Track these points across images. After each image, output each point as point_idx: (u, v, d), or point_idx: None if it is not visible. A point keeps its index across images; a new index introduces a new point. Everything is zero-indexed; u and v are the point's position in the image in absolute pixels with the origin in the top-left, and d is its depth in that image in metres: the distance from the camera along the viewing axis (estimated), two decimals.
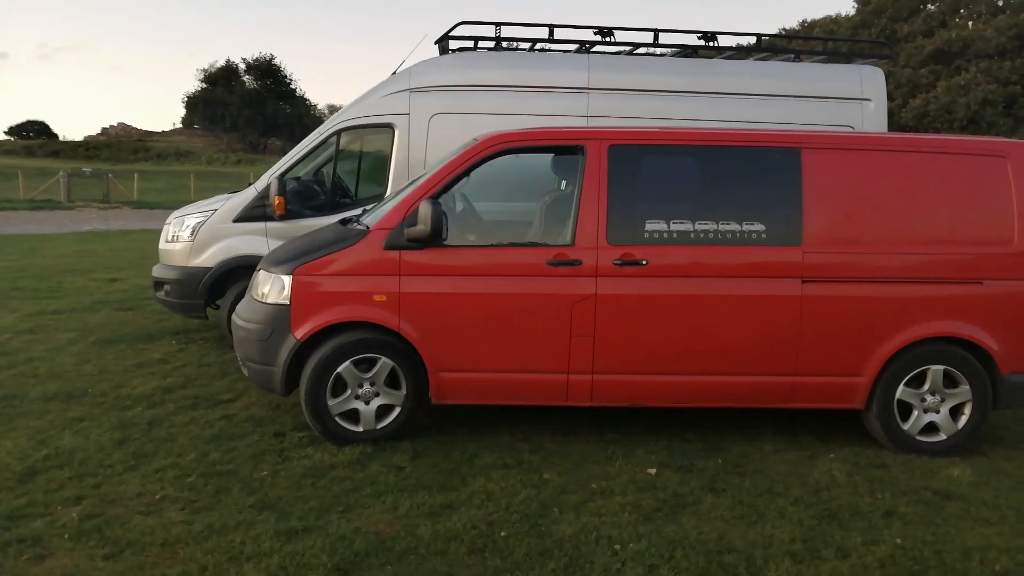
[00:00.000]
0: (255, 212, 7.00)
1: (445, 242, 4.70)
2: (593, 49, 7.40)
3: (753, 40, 7.60)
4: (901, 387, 4.89)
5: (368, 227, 4.83)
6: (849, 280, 4.80)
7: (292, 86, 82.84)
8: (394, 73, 7.34)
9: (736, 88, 7.17)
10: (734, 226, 4.78)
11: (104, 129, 75.04)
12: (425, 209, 4.54)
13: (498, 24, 7.14)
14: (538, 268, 4.73)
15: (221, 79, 74.56)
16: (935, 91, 36.96)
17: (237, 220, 7.02)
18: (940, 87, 36.90)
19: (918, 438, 4.94)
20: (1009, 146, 5.00)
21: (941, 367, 4.86)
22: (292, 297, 4.75)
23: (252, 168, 50.82)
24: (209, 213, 7.08)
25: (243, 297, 6.59)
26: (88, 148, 62.90)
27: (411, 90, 7.02)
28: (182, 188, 34.64)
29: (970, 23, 40.05)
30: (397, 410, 4.89)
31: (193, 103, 75.10)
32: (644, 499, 4.15)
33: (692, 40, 7.39)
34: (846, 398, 4.93)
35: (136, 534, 3.60)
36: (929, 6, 41.94)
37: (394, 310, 4.72)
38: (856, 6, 44.34)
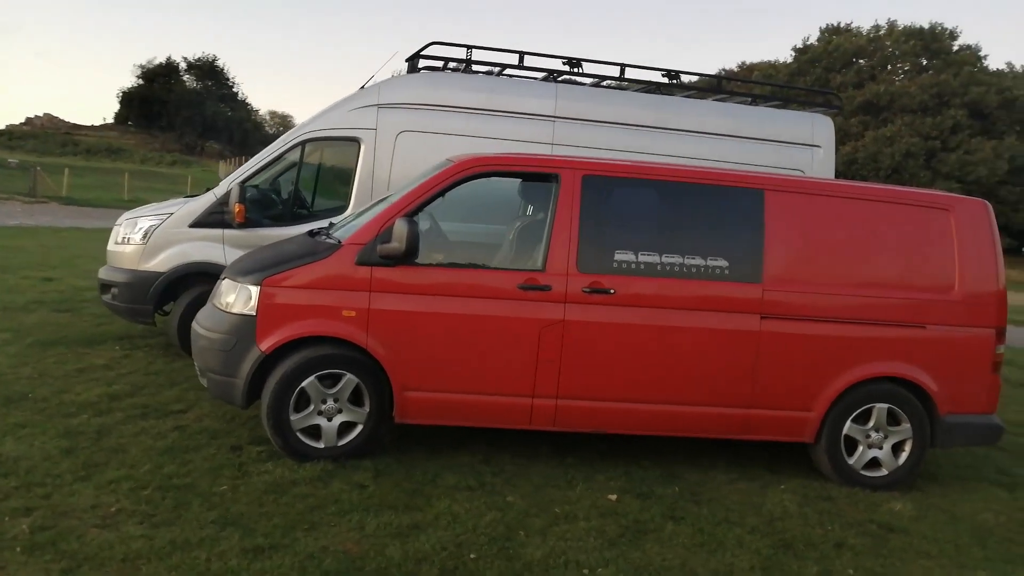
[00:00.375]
0: (213, 218, 6.87)
1: (417, 261, 4.71)
2: (560, 79, 7.55)
3: (710, 80, 7.86)
4: (848, 423, 5.11)
5: (339, 241, 4.81)
6: (804, 319, 5.01)
7: (234, 89, 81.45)
8: (363, 87, 7.34)
9: (696, 126, 7.42)
10: (699, 260, 4.95)
11: (29, 119, 71.84)
12: (401, 227, 4.56)
13: (469, 47, 7.23)
14: (508, 292, 4.79)
15: (160, 76, 72.61)
16: (863, 140, 38.86)
17: (193, 225, 6.87)
18: (868, 137, 38.84)
19: (862, 472, 5.17)
20: (953, 200, 5.33)
21: (886, 405, 5.12)
22: (259, 308, 4.68)
23: (188, 170, 49.63)
24: (164, 216, 6.90)
25: (195, 304, 6.56)
26: (12, 138, 60.09)
27: (379, 106, 7.03)
28: (115, 186, 33.44)
29: (896, 79, 42.26)
30: (359, 427, 4.85)
31: (128, 99, 72.88)
32: (607, 525, 4.22)
33: (656, 76, 7.62)
34: (797, 432, 5.12)
35: (94, 548, 3.47)
36: (860, 60, 44.09)
37: (362, 326, 4.70)
38: (793, 54, 46.34)
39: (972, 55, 45.82)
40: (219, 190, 6.92)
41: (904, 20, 52.68)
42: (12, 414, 5.19)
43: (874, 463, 5.19)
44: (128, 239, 7.00)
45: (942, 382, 5.13)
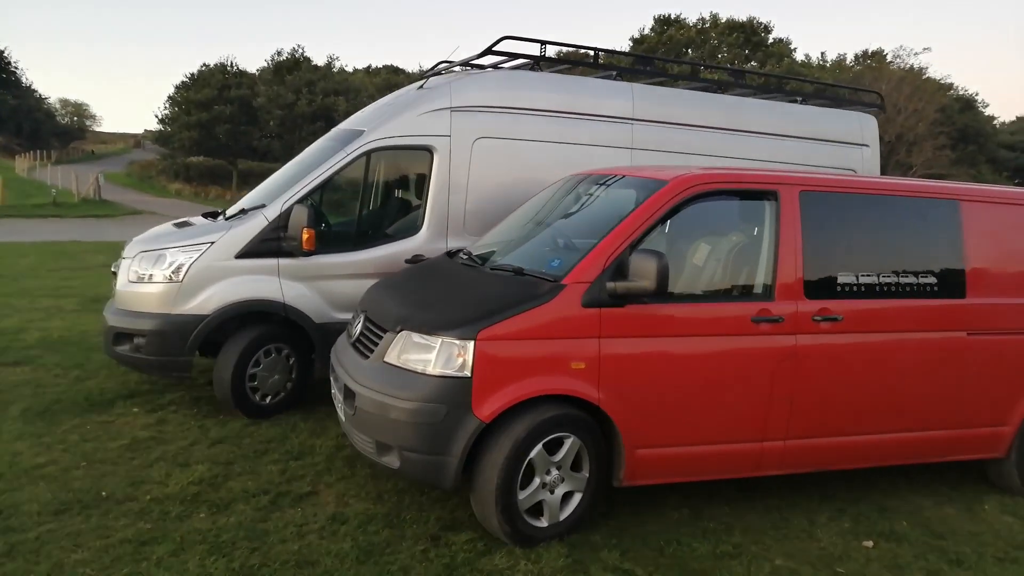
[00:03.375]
0: (266, 246, 5.66)
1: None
2: (618, 77, 6.98)
3: (769, 79, 7.60)
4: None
5: (556, 280, 4.02)
6: (1003, 332, 4.87)
7: (18, 75, 71.86)
8: (421, 86, 6.37)
9: (760, 127, 7.16)
10: (911, 279, 4.66)
11: None
12: (646, 261, 3.84)
13: (543, 43, 6.47)
14: (743, 325, 4.25)
15: None
16: None
17: (241, 256, 5.62)
18: None
19: None
20: None
21: None
22: (475, 368, 3.80)
23: None
24: (201, 246, 5.58)
25: (248, 352, 5.46)
26: None
27: (452, 109, 6.11)
28: None
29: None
30: (578, 496, 4.11)
31: None
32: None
33: (722, 76, 7.26)
34: (991, 448, 5.00)
35: None
36: (689, 51, 46.69)
37: (593, 379, 3.96)
38: (631, 44, 48.14)
39: (785, 47, 50.11)
40: (269, 212, 5.71)
41: (725, 13, 56.28)
42: (112, 525, 3.92)
43: None
44: (150, 276, 5.62)
45: None
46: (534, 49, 6.44)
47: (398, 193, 6.55)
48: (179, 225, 6.21)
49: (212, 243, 5.59)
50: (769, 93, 7.79)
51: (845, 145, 7.55)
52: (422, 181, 6.17)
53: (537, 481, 3.96)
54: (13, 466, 4.59)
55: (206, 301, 5.55)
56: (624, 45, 49.16)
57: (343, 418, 4.36)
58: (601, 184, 5.02)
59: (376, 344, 4.21)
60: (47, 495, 4.23)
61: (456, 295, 4.24)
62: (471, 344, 3.80)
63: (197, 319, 5.52)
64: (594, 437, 4.07)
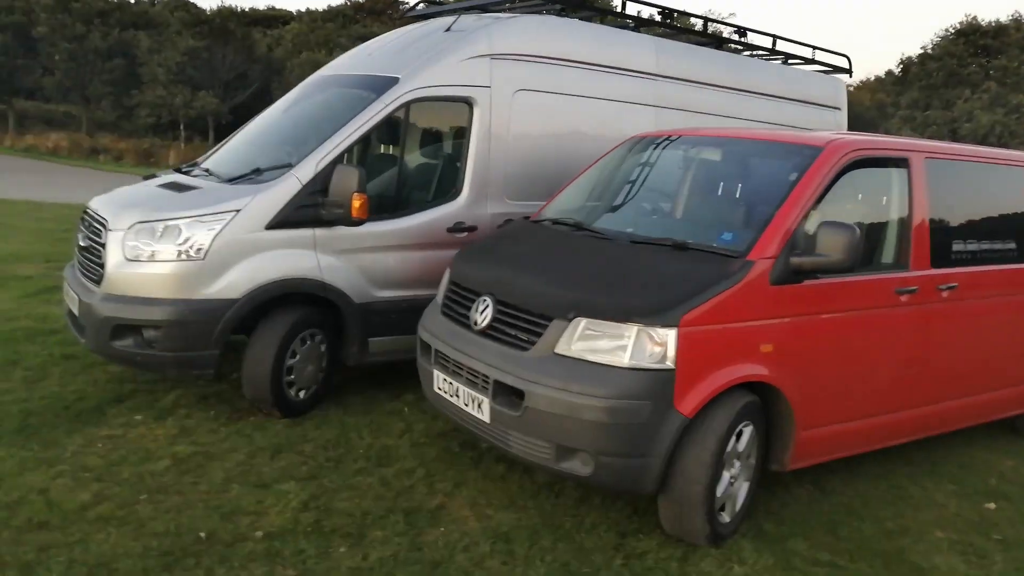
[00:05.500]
0: (301, 214, 4.76)
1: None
2: (638, 29, 6.62)
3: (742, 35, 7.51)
4: None
5: (741, 255, 3.67)
6: None
7: None
8: (448, 29, 5.61)
9: (761, 87, 7.11)
10: (1005, 244, 4.83)
11: None
12: (838, 234, 3.61)
13: None
14: (891, 298, 4.17)
15: None
16: None
17: (274, 226, 4.69)
18: None
19: None
20: None
21: None
22: (679, 358, 3.40)
23: None
24: (224, 215, 4.58)
25: (287, 342, 4.70)
26: None
27: (492, 56, 5.44)
28: None
29: None
30: (746, 486, 3.88)
31: None
32: None
33: (726, 32, 7.10)
34: None
35: None
36: None
37: (777, 362, 3.71)
38: None
39: None
40: (302, 172, 4.79)
41: None
42: None
43: None
44: (159, 254, 4.54)
45: None
46: None
47: (436, 151, 5.78)
48: (170, 187, 5.08)
49: (238, 211, 4.60)
50: (753, 51, 7.74)
51: (825, 108, 7.73)
52: (461, 138, 5.48)
53: (727, 475, 3.67)
54: (53, 507, 3.53)
55: (235, 282, 4.59)
56: None
57: (484, 418, 3.77)
58: (705, 147, 4.71)
59: (532, 332, 3.66)
60: (132, 543, 3.29)
61: (624, 273, 3.76)
62: (674, 332, 3.39)
63: (225, 304, 4.56)
64: (761, 423, 3.84)
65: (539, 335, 3.62)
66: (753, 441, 3.81)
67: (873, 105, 44.11)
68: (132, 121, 41.99)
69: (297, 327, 4.81)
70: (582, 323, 3.52)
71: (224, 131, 43.82)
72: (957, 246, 4.54)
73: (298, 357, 4.85)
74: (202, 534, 3.43)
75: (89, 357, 5.59)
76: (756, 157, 4.53)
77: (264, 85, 44.51)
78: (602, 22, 6.54)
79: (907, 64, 43.49)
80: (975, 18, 41.46)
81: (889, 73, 47.47)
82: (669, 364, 3.39)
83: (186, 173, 5.49)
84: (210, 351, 4.58)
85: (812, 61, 7.75)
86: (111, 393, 5.04)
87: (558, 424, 3.46)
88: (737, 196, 4.36)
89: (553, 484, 4.18)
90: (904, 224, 4.29)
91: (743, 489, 3.84)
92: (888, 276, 4.20)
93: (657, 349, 3.40)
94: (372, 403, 5.21)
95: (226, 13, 46.03)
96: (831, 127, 7.74)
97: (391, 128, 5.21)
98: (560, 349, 3.54)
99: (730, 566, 3.51)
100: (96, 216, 4.91)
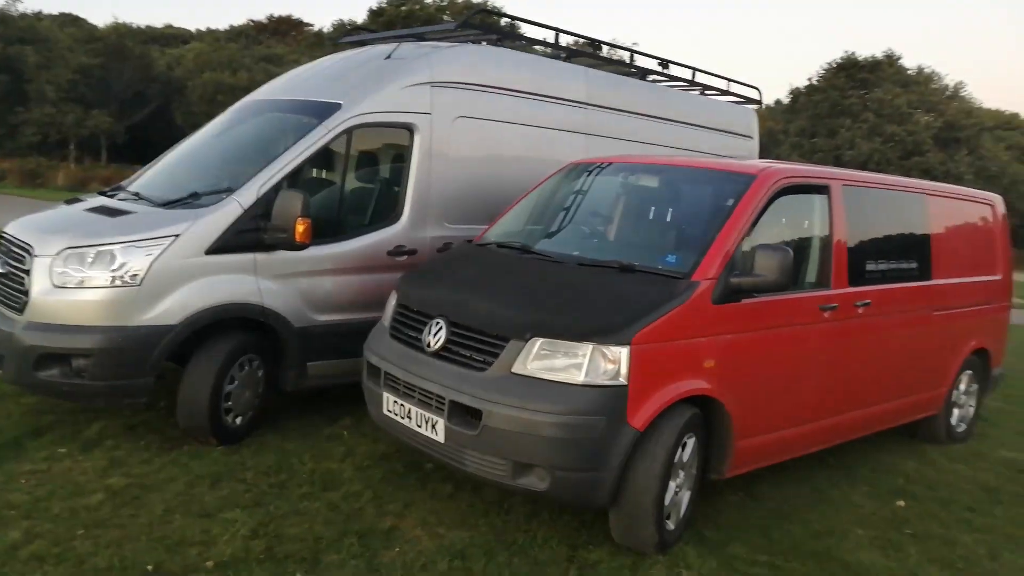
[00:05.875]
0: (243, 239, 4.69)
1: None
2: (568, 59, 6.85)
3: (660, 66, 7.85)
4: (955, 390, 5.99)
5: (684, 276, 3.87)
6: (956, 307, 5.66)
7: None
8: (388, 57, 5.66)
9: (683, 116, 7.46)
10: (908, 263, 5.25)
11: None
12: (772, 256, 3.87)
13: (513, 18, 6.12)
14: (815, 314, 4.47)
15: None
16: None
17: (214, 251, 4.60)
18: None
19: (958, 431, 6.14)
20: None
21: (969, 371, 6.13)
22: (632, 374, 3.55)
23: None
24: (162, 240, 4.45)
25: (224, 368, 4.63)
26: None
27: (432, 84, 5.53)
28: None
29: None
30: (688, 494, 4.06)
31: None
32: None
33: (651, 64, 7.41)
34: (935, 406, 5.82)
35: None
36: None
37: (717, 376, 3.92)
38: (368, 14, 46.95)
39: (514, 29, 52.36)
40: (244, 197, 4.72)
41: None
42: None
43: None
44: (85, 280, 4.36)
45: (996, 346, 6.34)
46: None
47: (377, 176, 5.77)
48: (100, 211, 4.90)
49: (177, 236, 4.49)
50: (674, 82, 8.11)
51: (739, 136, 8.17)
52: (401, 163, 5.52)
53: (672, 485, 3.84)
54: None
55: (172, 308, 4.46)
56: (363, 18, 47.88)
57: (438, 438, 3.81)
58: (643, 174, 4.94)
59: (488, 353, 3.74)
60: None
61: (575, 295, 3.89)
62: (626, 350, 3.55)
63: (162, 330, 4.43)
64: (702, 434, 4.04)
65: (496, 355, 3.70)
66: (695, 452, 3.99)
67: (764, 132, 46.63)
68: (15, 140, 39.65)
69: (235, 353, 4.72)
70: (538, 343, 3.63)
71: (119, 151, 42.10)
72: (870, 266, 4.91)
73: (236, 383, 4.75)
74: (149, 567, 3.32)
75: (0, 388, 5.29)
76: (692, 184, 4.79)
77: (163, 105, 43.12)
78: (534, 52, 6.73)
79: (796, 94, 46.20)
80: (853, 54, 44.57)
81: (778, 102, 50.27)
82: (622, 380, 3.54)
83: (111, 196, 5.31)
84: (143, 379, 4.43)
85: (727, 92, 8.21)
86: (28, 426, 4.79)
87: (515, 441, 3.55)
88: (677, 220, 4.59)
89: (502, 501, 4.24)
90: (825, 246, 4.62)
91: (686, 498, 4.01)
92: (813, 294, 4.50)
93: (611, 366, 3.54)
94: (309, 428, 5.14)
95: (122, 30, 44.24)
96: (744, 154, 8.21)
97: (333, 153, 5.23)
98: (517, 368, 3.64)
99: (678, 571, 3.66)
100: (16, 241, 4.69)
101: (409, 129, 5.44)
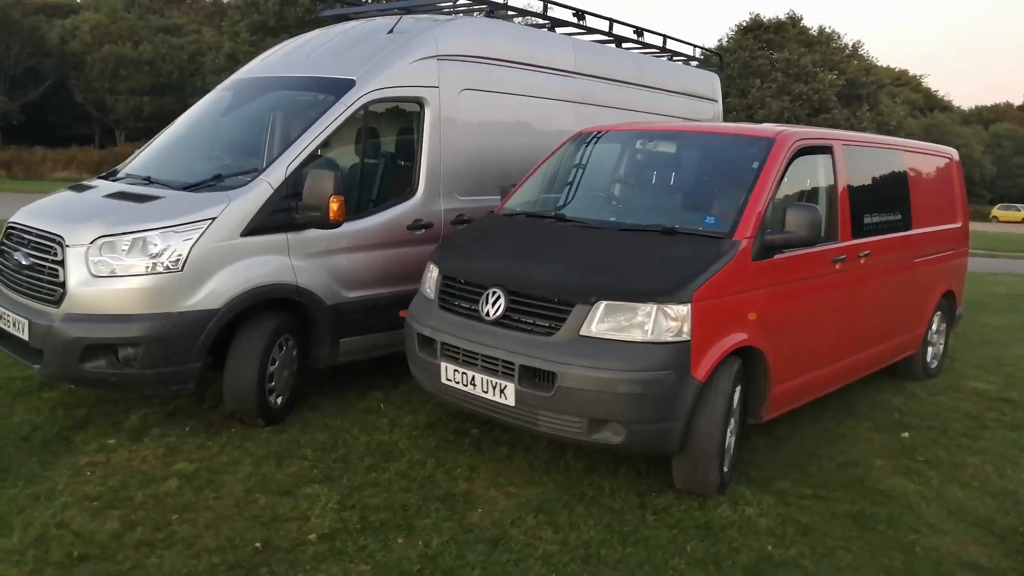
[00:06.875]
0: (275, 219, 4.69)
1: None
2: (555, 29, 6.98)
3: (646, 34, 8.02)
4: (929, 330, 6.55)
5: (727, 236, 4.15)
6: (929, 255, 6.16)
7: None
8: (391, 31, 5.66)
9: (655, 82, 7.70)
10: (895, 215, 5.69)
11: None
12: (803, 214, 4.20)
13: None
14: (828, 266, 4.83)
15: None
16: None
17: (249, 232, 4.58)
18: None
19: (932, 367, 6.73)
20: None
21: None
22: (693, 330, 3.81)
23: None
24: (199, 224, 4.41)
25: (268, 350, 4.68)
26: None
27: (439, 58, 5.57)
28: None
29: None
30: (734, 439, 4.39)
31: None
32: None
33: (627, 32, 7.60)
34: (916, 345, 6.35)
35: None
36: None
37: (759, 327, 4.24)
38: None
39: None
40: (273, 176, 4.71)
41: None
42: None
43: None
44: (130, 268, 4.30)
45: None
46: None
47: (392, 151, 5.78)
48: (123, 196, 4.78)
49: (213, 219, 4.46)
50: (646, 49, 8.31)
51: (704, 100, 8.50)
52: (412, 137, 5.57)
53: (729, 431, 4.14)
54: (85, 539, 3.31)
55: (214, 292, 4.45)
56: None
57: (507, 402, 3.98)
58: (661, 140, 5.17)
59: (554, 319, 3.92)
60: (193, 562, 3.21)
61: (629, 258, 4.11)
62: (688, 307, 3.80)
63: (207, 315, 4.42)
64: (743, 382, 4.36)
65: (562, 320, 3.89)
66: (741, 399, 4.31)
67: None
68: None
69: (276, 333, 4.74)
70: (603, 305, 3.83)
71: (15, 131, 39.46)
72: (867, 219, 5.31)
73: (277, 363, 4.78)
74: (257, 544, 3.40)
75: (14, 385, 5.16)
76: (713, 149, 5.04)
77: (60, 81, 40.61)
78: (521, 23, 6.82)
79: (707, 56, 47.37)
80: (758, 15, 45.94)
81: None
82: (685, 336, 3.79)
83: (119, 180, 5.18)
84: (191, 365, 4.42)
85: (692, 59, 8.50)
86: (66, 420, 4.69)
87: (591, 400, 3.77)
88: (706, 184, 4.85)
89: (558, 459, 4.47)
90: (832, 202, 4.98)
91: (733, 442, 4.34)
92: (826, 248, 4.86)
93: (674, 324, 3.79)
94: (344, 404, 5.21)
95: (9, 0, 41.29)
96: (710, 116, 8.56)
97: (351, 130, 5.22)
98: (584, 331, 3.84)
99: (742, 508, 3.97)
100: (40, 232, 4.55)
101: (420, 103, 5.49)
